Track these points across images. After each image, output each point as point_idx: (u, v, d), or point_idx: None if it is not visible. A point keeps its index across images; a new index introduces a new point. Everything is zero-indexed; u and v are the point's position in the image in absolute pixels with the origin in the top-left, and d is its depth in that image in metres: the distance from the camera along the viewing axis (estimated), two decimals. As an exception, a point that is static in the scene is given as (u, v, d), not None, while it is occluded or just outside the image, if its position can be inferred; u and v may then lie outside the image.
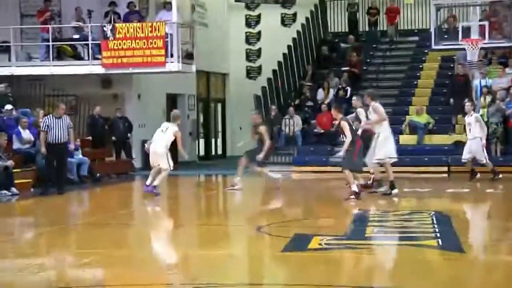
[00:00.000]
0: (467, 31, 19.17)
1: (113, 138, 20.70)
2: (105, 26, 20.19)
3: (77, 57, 20.80)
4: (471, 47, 19.08)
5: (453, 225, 10.62)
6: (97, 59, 20.26)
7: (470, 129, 16.83)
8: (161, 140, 14.47)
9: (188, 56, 20.91)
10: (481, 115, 20.00)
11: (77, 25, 20.91)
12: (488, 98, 19.90)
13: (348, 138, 13.39)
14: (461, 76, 21.03)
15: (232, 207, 14.73)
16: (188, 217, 13.09)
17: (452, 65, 22.64)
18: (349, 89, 22.24)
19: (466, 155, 16.92)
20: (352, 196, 13.27)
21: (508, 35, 19.61)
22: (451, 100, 21.06)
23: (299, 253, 8.82)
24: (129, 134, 21.10)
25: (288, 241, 9.38)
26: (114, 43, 19.91)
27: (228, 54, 28.01)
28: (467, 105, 17.12)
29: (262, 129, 15.38)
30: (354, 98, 16.38)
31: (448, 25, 22.11)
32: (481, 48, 19.77)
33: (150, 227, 11.78)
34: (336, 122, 14.35)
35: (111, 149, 20.96)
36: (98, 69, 20.35)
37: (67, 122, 15.42)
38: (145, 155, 21.80)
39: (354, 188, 13.32)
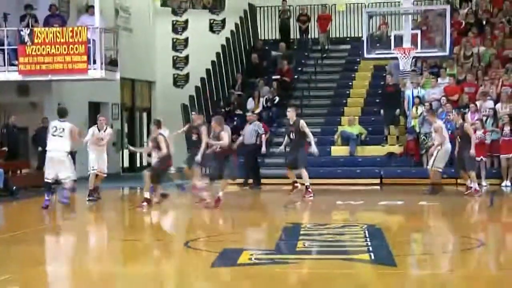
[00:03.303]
0: (399, 40, 19.57)
1: (40, 148, 20.23)
2: (22, 30, 19.85)
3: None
4: (403, 56, 19.49)
5: (385, 239, 10.83)
6: (14, 65, 19.90)
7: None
8: None
9: (111, 63, 20.72)
10: (412, 126, 20.58)
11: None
12: (420, 109, 20.40)
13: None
14: (390, 86, 21.49)
15: (158, 221, 14.66)
16: (111, 233, 12.96)
17: (384, 75, 23.09)
18: (276, 98, 22.47)
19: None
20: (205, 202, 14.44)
21: (440, 44, 20.10)
22: (382, 111, 21.51)
23: (229, 269, 8.85)
24: None
25: (216, 256, 9.39)
26: (32, 49, 19.61)
27: (154, 61, 27.89)
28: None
29: (203, 129, 15.65)
30: (289, 110, 16.87)
31: (381, 33, 22.52)
32: (414, 57, 20.20)
33: (71, 244, 11.62)
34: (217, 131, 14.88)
35: (29, 161, 20.53)
36: (15, 76, 19.95)
37: None
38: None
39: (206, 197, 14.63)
